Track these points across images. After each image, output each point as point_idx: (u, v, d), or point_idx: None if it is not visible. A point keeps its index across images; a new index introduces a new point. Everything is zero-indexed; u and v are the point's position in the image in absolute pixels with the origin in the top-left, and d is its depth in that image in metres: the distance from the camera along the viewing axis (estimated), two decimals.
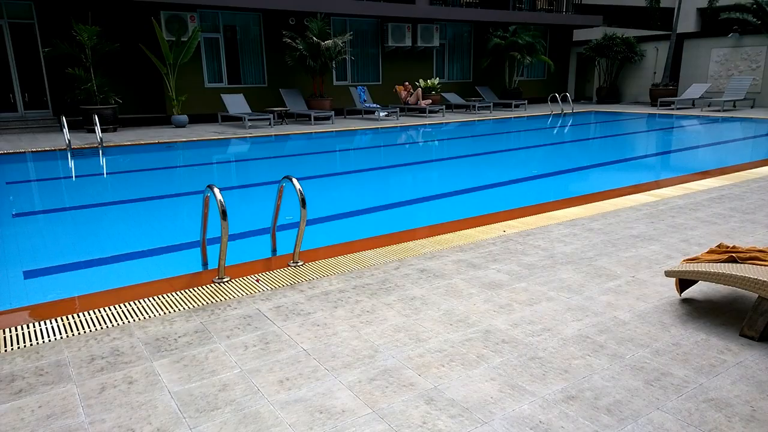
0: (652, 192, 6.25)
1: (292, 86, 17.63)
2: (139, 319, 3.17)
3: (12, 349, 2.85)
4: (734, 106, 18.90)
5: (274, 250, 4.43)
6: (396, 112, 17.53)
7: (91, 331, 3.03)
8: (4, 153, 10.55)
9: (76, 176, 9.43)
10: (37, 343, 2.90)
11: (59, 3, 14.58)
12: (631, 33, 22.82)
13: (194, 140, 12.62)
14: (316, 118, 16.16)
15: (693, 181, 6.88)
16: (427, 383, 2.46)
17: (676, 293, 3.41)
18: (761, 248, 3.25)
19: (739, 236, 4.59)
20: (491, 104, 19.66)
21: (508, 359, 2.66)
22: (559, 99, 19.17)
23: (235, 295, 3.49)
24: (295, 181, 3.92)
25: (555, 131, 15.63)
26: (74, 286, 4.25)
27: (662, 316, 3.10)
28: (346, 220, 6.16)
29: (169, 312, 3.26)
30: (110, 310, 3.31)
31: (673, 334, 2.90)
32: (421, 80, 19.54)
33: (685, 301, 3.32)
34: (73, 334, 2.99)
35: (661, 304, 3.27)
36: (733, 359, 2.66)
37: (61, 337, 2.96)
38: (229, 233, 3.63)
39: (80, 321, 3.16)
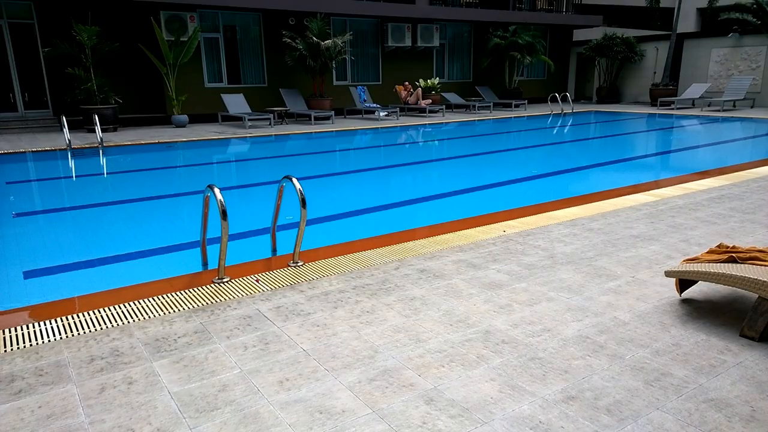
0: (652, 192, 6.25)
1: (292, 86, 17.63)
2: (139, 319, 3.17)
3: (12, 349, 2.85)
4: (734, 105, 18.90)
5: (274, 250, 4.43)
6: (396, 112, 17.53)
7: (91, 331, 3.03)
8: (4, 153, 10.55)
9: (76, 176, 9.43)
10: (37, 344, 2.90)
11: (59, 3, 14.59)
12: (631, 33, 22.82)
13: (194, 140, 12.62)
14: (316, 118, 16.16)
15: (693, 181, 6.88)
16: (427, 383, 2.46)
17: (676, 293, 3.41)
18: (761, 248, 3.25)
19: (738, 236, 4.58)
20: (491, 104, 19.66)
21: (508, 360, 2.66)
22: (559, 99, 19.15)
23: (235, 296, 3.49)
24: (295, 181, 3.91)
25: (555, 131, 15.63)
26: (74, 287, 4.24)
27: (662, 317, 3.10)
28: (345, 220, 6.15)
29: (169, 312, 3.26)
30: (110, 310, 3.31)
31: (673, 334, 2.90)
32: (421, 80, 19.54)
33: (685, 301, 3.32)
34: (72, 335, 2.99)
35: (661, 304, 3.27)
36: (733, 359, 2.66)
37: (61, 338, 2.96)
38: (228, 233, 3.63)
39: (80, 321, 3.15)
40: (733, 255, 3.13)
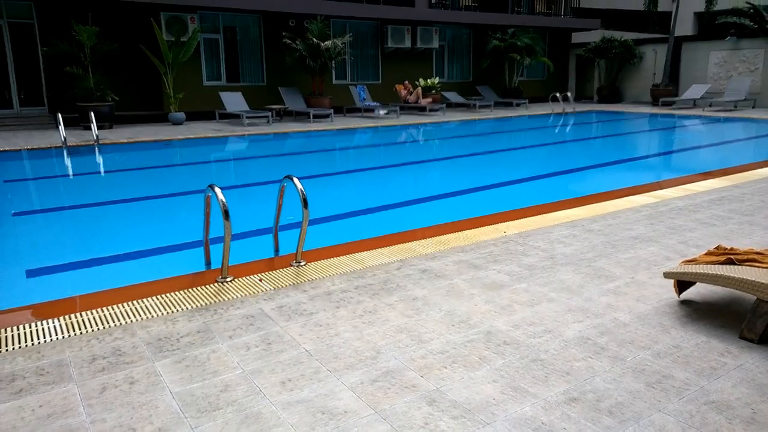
0: (652, 193, 6.27)
1: (290, 85, 17.62)
2: (142, 318, 3.17)
3: (13, 348, 2.84)
4: (735, 106, 18.94)
5: (276, 250, 4.43)
6: (396, 110, 17.54)
7: (92, 330, 3.03)
8: (1, 150, 10.52)
9: (72, 174, 9.42)
10: (38, 343, 2.90)
11: (59, 4, 14.55)
12: (629, 36, 22.86)
13: (192, 138, 12.60)
14: (315, 116, 16.15)
15: (694, 182, 6.89)
16: (429, 385, 2.47)
17: (674, 295, 3.42)
18: (759, 250, 3.26)
19: (737, 238, 4.60)
20: (492, 103, 19.69)
21: (510, 361, 2.67)
22: (560, 98, 19.17)
23: (238, 295, 3.49)
24: (296, 180, 3.92)
25: (557, 130, 15.66)
26: (73, 286, 4.25)
27: (662, 318, 3.11)
28: (344, 220, 6.16)
29: (172, 312, 3.26)
30: (112, 309, 3.31)
31: (674, 336, 2.91)
32: (420, 79, 19.54)
33: (684, 302, 3.33)
34: (74, 334, 2.99)
35: (661, 305, 3.29)
36: (734, 362, 2.67)
37: (63, 337, 2.96)
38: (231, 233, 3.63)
39: (82, 320, 3.15)
40: (731, 257, 3.14)
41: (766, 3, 17.81)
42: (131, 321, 3.14)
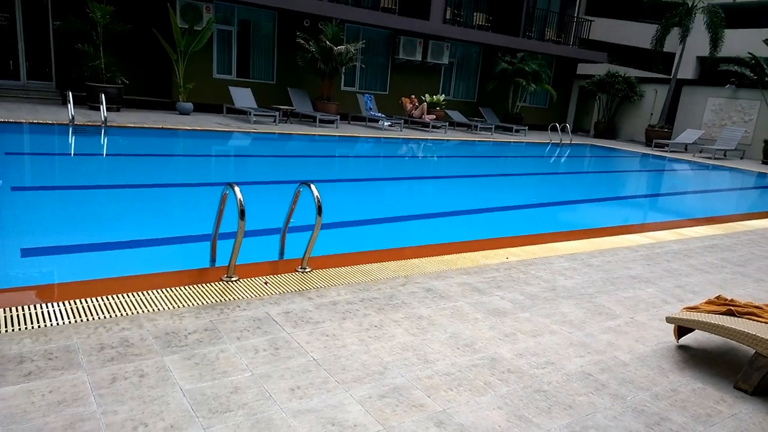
0: (648, 234, 6.39)
1: (299, 86, 17.67)
2: (149, 311, 3.18)
3: (20, 329, 2.84)
4: (725, 155, 19.33)
5: (281, 253, 4.45)
6: (400, 123, 17.66)
7: (99, 318, 3.04)
8: (4, 121, 10.42)
9: (77, 154, 9.37)
10: (45, 326, 2.90)
11: None
12: (633, 73, 23.27)
13: (198, 129, 12.59)
14: (321, 121, 16.21)
15: (686, 227, 7.04)
16: (436, 405, 2.51)
17: (672, 338, 3.50)
18: (758, 304, 3.36)
19: (730, 287, 4.71)
20: (493, 126, 19.90)
21: (514, 389, 2.72)
22: (558, 129, 19.43)
23: (244, 296, 3.51)
24: (313, 187, 3.96)
25: (553, 161, 15.86)
26: (67, 269, 4.23)
27: (660, 361, 3.19)
28: (341, 229, 6.18)
29: (179, 307, 3.27)
30: (117, 298, 3.31)
31: (672, 380, 2.99)
32: (426, 95, 19.70)
33: (682, 347, 3.41)
34: (81, 320, 2.99)
35: (659, 348, 3.36)
36: (728, 411, 2.75)
37: (70, 322, 2.96)
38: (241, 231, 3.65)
39: (88, 307, 3.15)
40: (732, 308, 3.23)
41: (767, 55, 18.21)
42: (138, 312, 3.15)
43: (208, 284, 3.65)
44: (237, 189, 3.63)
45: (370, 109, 18.40)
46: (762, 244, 6.46)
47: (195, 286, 3.60)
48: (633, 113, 23.56)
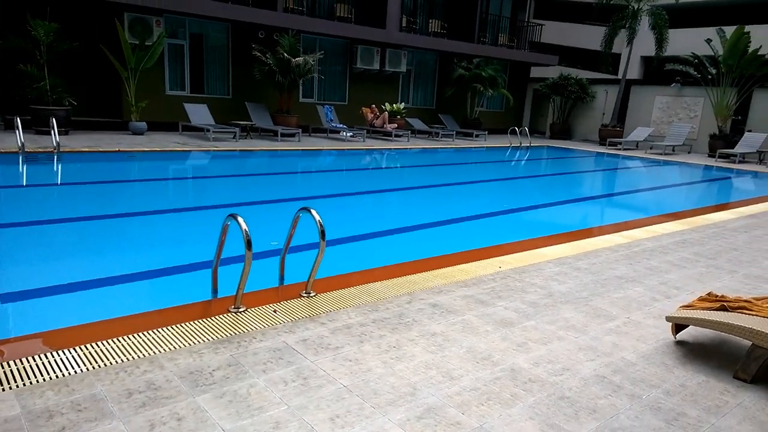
0: (623, 233, 6.69)
1: (257, 100, 17.53)
2: (165, 350, 3.14)
3: (37, 381, 2.76)
4: (673, 150, 20.30)
5: (281, 279, 4.46)
6: (362, 133, 17.75)
7: (117, 362, 2.98)
8: None
9: (33, 185, 9.01)
10: (63, 375, 2.83)
11: None
12: (584, 75, 24.17)
13: (157, 151, 12.31)
14: (283, 135, 16.13)
15: (656, 224, 7.40)
16: (472, 422, 2.60)
17: (668, 335, 3.71)
18: (746, 298, 3.61)
19: (708, 281, 5.01)
20: (454, 132, 20.27)
21: (540, 398, 2.84)
22: (518, 132, 19.96)
23: (257, 327, 3.51)
24: (314, 212, 3.99)
25: (518, 165, 16.30)
26: (59, 312, 4.10)
27: (663, 358, 3.38)
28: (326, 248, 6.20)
29: (195, 343, 3.25)
30: (128, 339, 3.25)
31: (678, 375, 3.17)
32: (386, 104, 19.88)
33: (679, 342, 3.62)
34: (99, 365, 2.93)
35: (659, 345, 3.56)
36: (734, 400, 2.95)
37: (88, 369, 2.89)
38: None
39: (100, 351, 3.09)
40: (724, 304, 3.47)
41: (709, 53, 19.24)
42: (155, 353, 3.11)
43: (217, 317, 3.63)
44: (241, 220, 3.63)
45: (331, 120, 18.43)
46: (725, 236, 6.86)
47: (205, 320, 3.57)
48: (586, 114, 24.46)
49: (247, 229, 3.58)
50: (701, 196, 12.50)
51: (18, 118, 10.75)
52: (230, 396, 2.71)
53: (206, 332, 3.40)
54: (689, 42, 20.28)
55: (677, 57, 20.24)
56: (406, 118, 20.31)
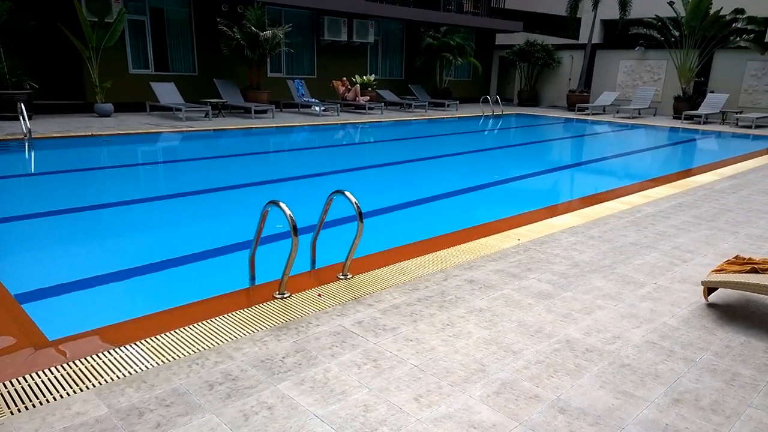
0: (621, 200, 6.91)
1: (224, 76, 17.02)
2: (227, 340, 3.12)
3: (112, 379, 2.71)
4: (639, 113, 20.86)
5: (313, 262, 4.44)
6: (336, 107, 17.53)
7: (185, 355, 2.95)
8: None
9: (18, 175, 8.60)
10: (136, 371, 2.78)
11: None
12: (550, 41, 24.37)
13: (132, 133, 11.89)
14: (256, 111, 15.77)
15: (649, 188, 7.66)
16: (549, 393, 2.70)
17: (696, 298, 3.90)
18: None
19: (716, 243, 5.25)
20: (426, 103, 20.23)
21: (603, 367, 2.96)
22: (490, 100, 20.09)
23: (307, 312, 3.52)
24: (349, 194, 3.97)
25: (497, 133, 16.45)
26: (92, 307, 4.02)
27: (702, 321, 3.57)
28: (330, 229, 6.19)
29: (253, 331, 3.23)
30: (185, 331, 3.21)
31: (720, 337, 3.36)
32: (357, 76, 19.63)
33: (711, 305, 3.82)
34: (167, 359, 2.90)
35: (693, 309, 3.75)
36: None
37: (158, 363, 2.86)
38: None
39: (163, 344, 3.05)
40: (755, 267, 3.66)
41: (672, 15, 19.65)
42: (218, 343, 3.09)
43: (264, 304, 3.61)
44: (283, 205, 3.59)
45: (303, 95, 18.11)
46: (716, 198, 7.17)
47: (254, 307, 3.55)
48: (553, 80, 24.77)
49: (292, 215, 3.54)
50: (680, 158, 12.95)
51: None
52: (310, 382, 2.73)
53: (260, 320, 3.38)
54: (651, 4, 20.64)
55: (640, 20, 20.60)
56: (377, 90, 20.14)
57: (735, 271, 3.69)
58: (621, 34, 22.47)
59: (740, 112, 18.67)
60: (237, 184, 8.26)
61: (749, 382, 2.87)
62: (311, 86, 19.18)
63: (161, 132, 12.45)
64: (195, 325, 3.29)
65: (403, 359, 2.98)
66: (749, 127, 17.43)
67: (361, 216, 3.93)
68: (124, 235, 5.78)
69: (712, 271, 3.83)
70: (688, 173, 9.03)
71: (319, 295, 3.78)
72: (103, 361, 2.86)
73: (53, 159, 9.69)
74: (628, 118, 19.94)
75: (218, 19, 16.08)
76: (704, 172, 9.02)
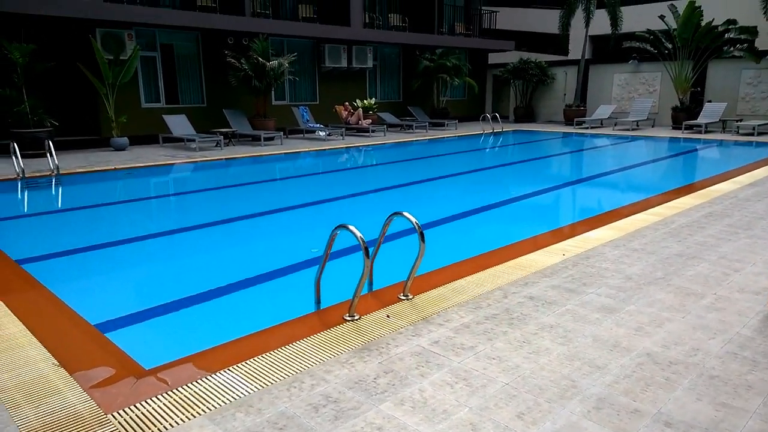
0: (650, 211, 6.95)
1: (232, 106, 17.19)
2: (315, 363, 3.13)
3: (219, 405, 2.71)
4: (637, 125, 21.13)
5: (371, 284, 4.45)
6: (340, 131, 17.69)
7: (280, 379, 2.98)
8: None
9: (56, 211, 8.63)
10: (240, 396, 2.80)
11: None
12: (543, 58, 24.80)
13: (151, 165, 11.96)
14: (265, 139, 15.90)
15: (675, 199, 7.69)
16: (649, 408, 2.71)
17: (762, 307, 3.93)
18: None
19: (759, 251, 5.27)
20: (426, 123, 20.45)
21: (693, 380, 2.97)
22: (490, 118, 20.32)
23: (382, 333, 3.52)
24: (409, 215, 4.01)
25: (505, 150, 16.61)
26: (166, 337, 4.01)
27: None
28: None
29: (337, 354, 3.23)
30: (271, 356, 3.23)
31: None
32: (358, 100, 19.85)
33: None
34: (265, 384, 2.93)
35: (762, 318, 3.77)
36: None
37: (257, 388, 2.88)
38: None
39: (256, 369, 3.07)
40: None
41: (663, 28, 20.05)
42: (308, 367, 3.08)
43: (337, 327, 3.62)
44: (353, 228, 3.61)
45: (308, 120, 18.26)
46: (744, 206, 7.25)
47: (329, 330, 3.55)
48: (548, 96, 25.13)
49: (362, 237, 3.57)
50: (693, 168, 13.10)
51: (15, 144, 10.21)
52: (409, 402, 2.73)
53: (339, 342, 3.39)
54: (642, 19, 21.07)
55: (632, 34, 21.00)
56: (378, 113, 20.36)
57: None
58: (614, 49, 22.88)
59: (740, 120, 18.95)
60: (275, 208, 8.41)
61: None
62: (314, 112, 19.37)
63: (179, 163, 12.56)
64: (281, 348, 3.30)
65: (491, 378, 2.98)
66: (751, 134, 17.68)
67: (422, 236, 3.96)
68: (172, 264, 5.78)
69: None
70: (707, 182, 9.11)
71: (388, 317, 3.78)
72: (205, 387, 2.86)
73: (86, 193, 9.77)
74: (628, 130, 20.20)
75: (226, 52, 16.35)
76: (722, 180, 9.12)
